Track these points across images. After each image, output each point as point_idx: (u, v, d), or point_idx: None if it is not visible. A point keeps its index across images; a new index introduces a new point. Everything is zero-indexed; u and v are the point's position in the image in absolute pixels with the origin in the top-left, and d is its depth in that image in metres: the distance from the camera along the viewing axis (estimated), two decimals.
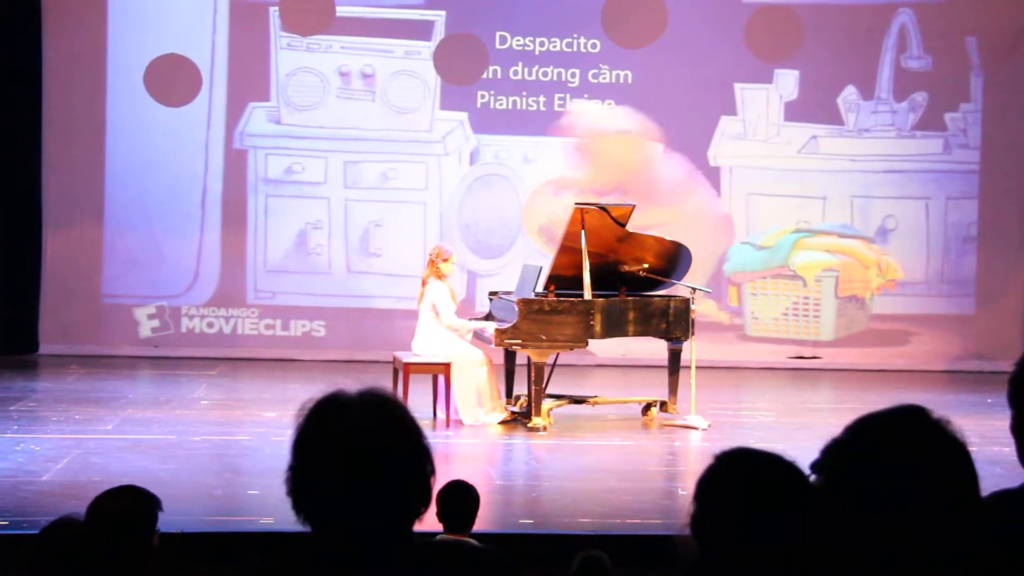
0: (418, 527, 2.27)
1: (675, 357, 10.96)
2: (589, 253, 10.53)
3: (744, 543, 2.31)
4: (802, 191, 15.06)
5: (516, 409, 10.88)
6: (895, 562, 1.98)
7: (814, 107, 15.00)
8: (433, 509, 2.79)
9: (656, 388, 11.36)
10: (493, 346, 10.56)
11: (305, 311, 14.61)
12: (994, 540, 2.16)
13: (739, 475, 2.36)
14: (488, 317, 11.09)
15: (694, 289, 10.94)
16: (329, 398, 2.25)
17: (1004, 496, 2.47)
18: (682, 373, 10.91)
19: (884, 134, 15.08)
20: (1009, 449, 2.55)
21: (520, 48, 14.78)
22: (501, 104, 14.78)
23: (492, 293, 11.47)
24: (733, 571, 2.31)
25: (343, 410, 2.22)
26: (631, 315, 10.66)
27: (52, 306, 14.33)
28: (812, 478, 2.11)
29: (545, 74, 14.80)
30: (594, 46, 14.79)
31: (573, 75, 14.80)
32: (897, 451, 2.03)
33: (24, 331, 14.24)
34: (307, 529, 2.23)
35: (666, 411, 10.95)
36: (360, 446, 2.19)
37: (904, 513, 1.99)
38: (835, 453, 2.06)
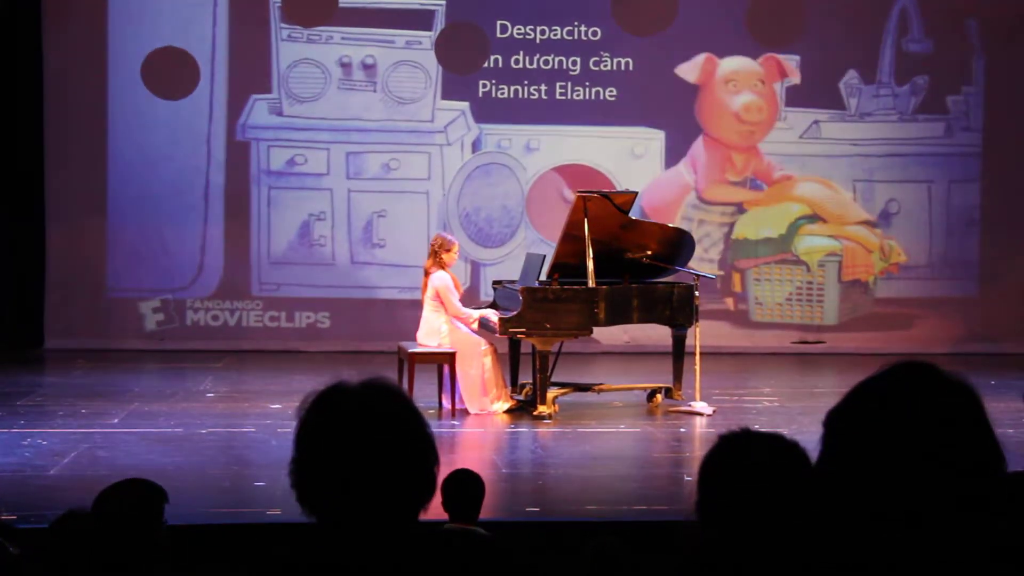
0: (424, 516, 2.27)
1: (679, 343, 10.97)
2: (592, 241, 10.52)
3: (748, 522, 2.31)
4: (805, 176, 15.05)
5: (521, 397, 10.89)
6: (905, 537, 1.96)
7: (816, 92, 14.98)
8: (439, 498, 2.79)
9: (661, 375, 11.37)
10: (498, 335, 10.56)
11: (309, 302, 14.61)
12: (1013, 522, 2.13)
13: (742, 454, 2.37)
14: (493, 306, 11.08)
15: (697, 276, 10.95)
16: (331, 389, 2.25)
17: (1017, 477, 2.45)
18: (686, 359, 10.92)
19: (886, 118, 15.06)
20: (1013, 430, 2.55)
21: (521, 36, 14.76)
22: (503, 93, 14.77)
23: (496, 282, 11.48)
24: (737, 552, 2.31)
25: (345, 401, 2.23)
26: (635, 302, 10.66)
27: (57, 301, 14.33)
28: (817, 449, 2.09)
29: (546, 62, 14.79)
30: (595, 33, 14.77)
31: (574, 63, 14.78)
32: (899, 402, 2.01)
33: (29, 326, 14.25)
34: (313, 521, 2.23)
35: (671, 397, 10.96)
36: (363, 437, 2.19)
37: (917, 470, 1.96)
38: (837, 418, 2.05)
